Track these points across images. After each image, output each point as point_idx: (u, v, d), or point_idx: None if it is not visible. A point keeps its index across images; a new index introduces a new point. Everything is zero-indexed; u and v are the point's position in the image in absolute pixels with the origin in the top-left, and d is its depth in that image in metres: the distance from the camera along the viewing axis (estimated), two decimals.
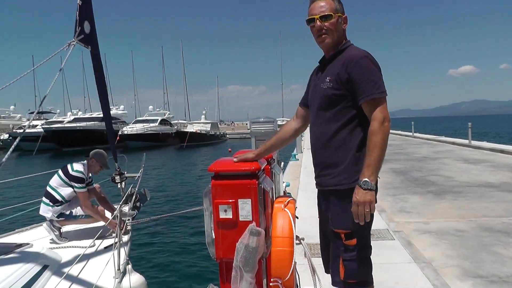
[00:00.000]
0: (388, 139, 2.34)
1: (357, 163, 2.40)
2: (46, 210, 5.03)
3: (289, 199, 2.84)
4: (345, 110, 2.45)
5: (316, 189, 2.72)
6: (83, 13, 4.17)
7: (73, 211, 5.15)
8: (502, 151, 15.20)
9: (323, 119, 2.53)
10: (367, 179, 2.28)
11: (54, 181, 5.11)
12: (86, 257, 4.28)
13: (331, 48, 2.57)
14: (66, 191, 5.06)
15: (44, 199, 5.08)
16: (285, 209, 2.69)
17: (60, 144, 44.91)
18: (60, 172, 5.13)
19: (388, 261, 4.46)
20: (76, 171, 5.07)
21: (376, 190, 2.35)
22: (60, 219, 5.08)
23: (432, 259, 4.60)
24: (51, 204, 5.02)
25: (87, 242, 4.71)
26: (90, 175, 5.36)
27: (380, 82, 2.38)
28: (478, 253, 4.76)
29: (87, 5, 4.26)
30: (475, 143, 18.40)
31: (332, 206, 2.51)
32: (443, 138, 23.90)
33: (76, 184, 5.03)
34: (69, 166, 5.13)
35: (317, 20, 2.51)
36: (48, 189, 5.09)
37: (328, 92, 2.47)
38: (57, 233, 4.98)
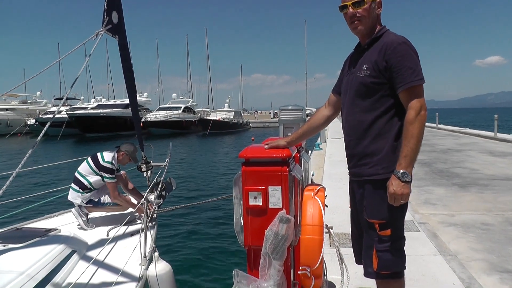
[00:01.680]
0: (424, 129, 2.31)
1: (395, 153, 2.37)
2: (75, 196, 5.12)
3: (319, 187, 2.83)
4: (383, 98, 2.42)
5: (343, 179, 2.71)
6: (111, 3, 4.19)
7: (102, 198, 5.24)
8: None
9: (359, 108, 2.50)
10: (405, 171, 2.26)
11: (83, 168, 5.19)
12: (112, 243, 4.35)
13: (366, 34, 2.53)
14: (95, 179, 5.14)
15: (73, 185, 5.17)
16: (315, 197, 2.69)
17: (84, 130, 45.52)
18: (89, 160, 5.20)
19: (413, 252, 4.44)
20: (107, 162, 5.13)
21: (411, 180, 2.34)
22: (89, 205, 5.17)
23: (457, 252, 4.56)
24: (80, 190, 5.11)
25: (114, 229, 4.80)
26: (119, 165, 5.44)
27: (419, 68, 2.34)
28: (505, 247, 4.69)
29: None
30: (501, 135, 18.00)
31: (367, 196, 2.49)
32: (467, 130, 23.49)
33: (106, 175, 5.10)
34: (99, 156, 5.20)
35: (350, 7, 2.47)
36: (77, 175, 5.17)
37: (366, 80, 2.43)
38: (84, 218, 5.07)
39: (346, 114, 2.62)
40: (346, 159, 2.67)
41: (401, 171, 2.26)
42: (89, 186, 5.13)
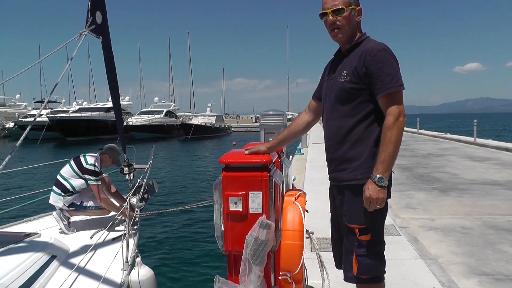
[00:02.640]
0: (402, 134, 2.33)
1: (374, 159, 2.37)
2: (56, 199, 5.05)
3: (300, 192, 2.83)
4: (362, 104, 2.43)
5: (324, 184, 2.71)
6: (95, 3, 4.15)
7: (84, 201, 5.17)
8: (507, 149, 15.11)
9: (339, 113, 2.51)
10: (382, 176, 2.27)
11: (66, 171, 5.12)
12: (94, 248, 4.29)
13: (346, 41, 2.55)
14: (77, 182, 5.08)
15: (54, 188, 5.09)
16: (296, 202, 2.69)
17: (65, 134, 45.01)
18: (72, 163, 5.15)
19: (394, 256, 4.47)
20: (91, 164, 5.08)
21: (390, 184, 2.34)
22: (70, 209, 5.10)
23: (438, 255, 4.60)
24: (62, 193, 5.04)
25: (97, 233, 4.73)
26: (102, 167, 5.37)
27: (398, 75, 2.35)
28: (483, 250, 4.76)
29: None
30: (480, 140, 18.32)
31: (347, 201, 2.50)
32: (448, 135, 23.81)
33: (90, 177, 5.05)
34: (82, 159, 5.14)
35: (329, 14, 2.49)
36: (59, 178, 5.10)
37: (345, 86, 2.44)
38: (66, 222, 4.99)
39: (326, 119, 2.63)
40: (327, 163, 2.68)
41: (378, 175, 2.28)
42: (71, 189, 5.06)
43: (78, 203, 5.14)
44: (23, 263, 3.45)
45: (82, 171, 5.06)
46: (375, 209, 2.34)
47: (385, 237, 2.58)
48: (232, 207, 2.47)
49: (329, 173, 2.65)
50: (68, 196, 5.06)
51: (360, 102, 2.43)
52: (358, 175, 2.42)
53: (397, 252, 4.65)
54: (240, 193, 2.45)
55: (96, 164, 5.13)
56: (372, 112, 2.43)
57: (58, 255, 3.96)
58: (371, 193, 2.28)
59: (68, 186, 5.05)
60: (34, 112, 51.99)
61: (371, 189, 2.29)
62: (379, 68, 2.33)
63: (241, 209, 2.46)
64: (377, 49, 2.37)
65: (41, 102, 57.88)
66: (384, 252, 2.54)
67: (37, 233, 4.14)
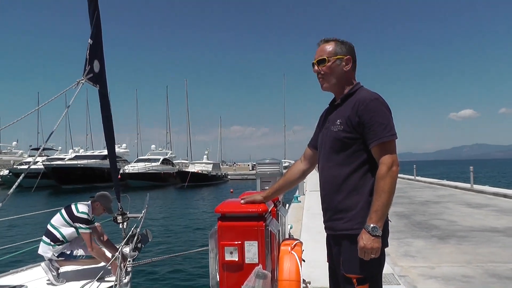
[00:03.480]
0: (396, 184, 2.31)
1: (370, 208, 2.34)
2: (46, 249, 4.95)
3: (296, 241, 2.79)
4: (357, 153, 2.44)
5: (321, 233, 2.67)
6: (93, 52, 4.20)
7: (74, 251, 5.07)
8: (505, 196, 15.10)
9: (334, 163, 2.51)
10: (375, 225, 2.25)
11: (56, 220, 5.05)
12: None
13: (335, 91, 2.62)
14: (68, 231, 5.00)
15: (44, 238, 5.00)
16: (292, 251, 2.65)
17: (60, 181, 44.73)
18: (63, 212, 5.08)
19: None
20: (82, 212, 5.02)
21: (387, 233, 2.31)
22: (60, 258, 4.98)
23: None
24: (51, 243, 4.95)
25: (87, 284, 4.61)
26: (93, 215, 5.30)
27: (391, 124, 2.36)
28: None
29: (97, 44, 4.30)
30: (477, 187, 18.31)
31: (344, 251, 2.45)
32: (445, 181, 23.80)
33: (81, 225, 4.97)
34: (73, 207, 5.09)
35: (315, 65, 2.59)
36: (49, 228, 5.03)
37: (339, 135, 2.46)
38: (55, 273, 4.87)
39: (321, 168, 2.64)
40: (322, 212, 2.65)
41: (371, 225, 2.25)
42: (61, 238, 4.98)
43: (68, 252, 5.03)
44: None
45: (73, 219, 4.99)
46: (372, 258, 2.30)
47: (384, 286, 2.52)
48: (228, 257, 2.43)
49: (324, 222, 2.62)
50: (58, 245, 4.97)
51: (354, 151, 2.44)
52: (354, 224, 2.38)
53: None
54: (236, 242, 2.42)
55: (88, 212, 5.07)
56: (367, 161, 2.43)
57: None
58: (365, 243, 2.25)
59: (58, 235, 4.97)
60: (30, 159, 51.92)
61: (365, 239, 2.26)
62: (372, 117, 2.35)
63: (236, 259, 2.42)
64: (369, 99, 2.40)
65: (37, 149, 57.89)
66: None
67: (23, 286, 4.03)
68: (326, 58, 2.53)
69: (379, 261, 2.39)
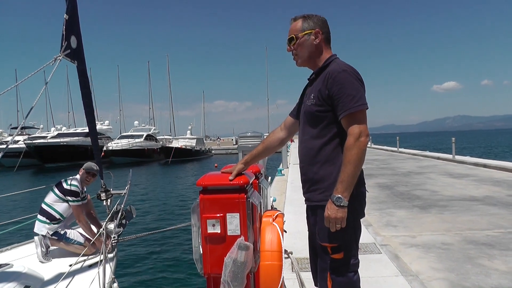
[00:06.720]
0: (364, 154, 2.32)
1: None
2: (41, 227, 4.96)
3: (278, 213, 2.83)
4: (329, 126, 2.47)
5: (303, 204, 2.71)
6: (69, 28, 4.12)
7: (68, 232, 5.08)
8: (484, 166, 15.40)
9: (309, 135, 2.56)
10: (340, 196, 2.28)
11: (50, 198, 5.07)
12: (70, 276, 4.19)
13: (311, 65, 2.64)
14: (62, 207, 5.03)
15: (39, 216, 5.01)
16: (274, 223, 2.69)
17: (43, 160, 44.11)
18: (55, 188, 5.11)
19: (375, 274, 4.46)
20: (71, 185, 5.06)
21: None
22: (53, 237, 5.00)
23: (419, 272, 4.61)
24: (47, 221, 4.97)
25: (71, 261, 4.63)
26: (85, 189, 5.34)
27: (359, 95, 2.36)
28: (463, 265, 4.79)
29: (74, 19, 4.21)
30: (458, 157, 18.61)
31: (319, 221, 2.49)
32: (427, 153, 24.12)
33: (70, 198, 5.00)
34: (63, 182, 5.13)
35: (287, 45, 2.65)
36: (44, 206, 5.04)
37: (312, 109, 2.50)
38: (44, 250, 4.88)
39: (299, 141, 2.69)
40: (301, 184, 2.69)
41: (336, 195, 2.29)
42: (57, 216, 4.99)
43: (62, 233, 5.04)
44: None
45: (64, 192, 5.03)
46: (341, 228, 2.33)
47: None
48: (210, 229, 2.46)
49: (303, 193, 2.67)
50: (54, 224, 4.99)
51: (327, 124, 2.47)
52: (328, 195, 2.39)
53: (378, 270, 4.64)
54: (218, 215, 2.44)
55: (77, 184, 5.10)
56: (339, 133, 2.45)
57: (32, 285, 3.85)
58: (330, 212, 2.30)
59: (54, 213, 4.99)
60: (9, 138, 51.09)
61: (330, 209, 2.31)
62: (340, 89, 2.36)
63: (219, 231, 2.45)
64: (337, 71, 2.40)
65: (17, 128, 57.09)
66: (358, 270, 2.54)
67: (8, 264, 4.02)
68: (294, 36, 2.58)
69: (354, 229, 2.46)
